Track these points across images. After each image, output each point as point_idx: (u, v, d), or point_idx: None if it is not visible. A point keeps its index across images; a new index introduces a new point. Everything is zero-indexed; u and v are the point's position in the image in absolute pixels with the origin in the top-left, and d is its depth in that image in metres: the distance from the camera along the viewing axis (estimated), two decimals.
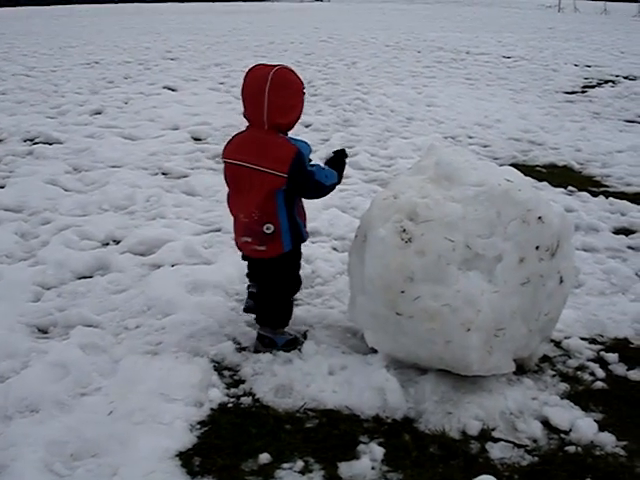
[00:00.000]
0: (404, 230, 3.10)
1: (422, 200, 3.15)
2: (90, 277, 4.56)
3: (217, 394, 3.28)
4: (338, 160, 3.62)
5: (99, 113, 9.85)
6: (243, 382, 3.40)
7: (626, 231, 5.52)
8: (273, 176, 3.32)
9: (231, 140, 3.58)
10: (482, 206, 3.16)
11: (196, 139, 8.44)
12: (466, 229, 3.12)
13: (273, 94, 3.30)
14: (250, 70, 3.45)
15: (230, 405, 3.24)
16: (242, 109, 3.48)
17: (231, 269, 4.50)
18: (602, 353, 3.69)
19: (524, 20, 31.26)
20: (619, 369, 3.56)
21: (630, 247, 5.19)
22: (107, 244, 5.12)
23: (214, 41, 20.17)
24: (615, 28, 27.06)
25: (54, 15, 32.50)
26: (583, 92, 12.23)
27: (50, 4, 39.73)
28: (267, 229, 3.42)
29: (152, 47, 18.35)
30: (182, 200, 6.04)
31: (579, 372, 3.52)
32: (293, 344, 3.68)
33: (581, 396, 3.32)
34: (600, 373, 3.51)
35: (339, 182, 3.59)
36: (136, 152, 7.61)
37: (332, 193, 3.59)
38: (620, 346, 3.78)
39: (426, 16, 33.73)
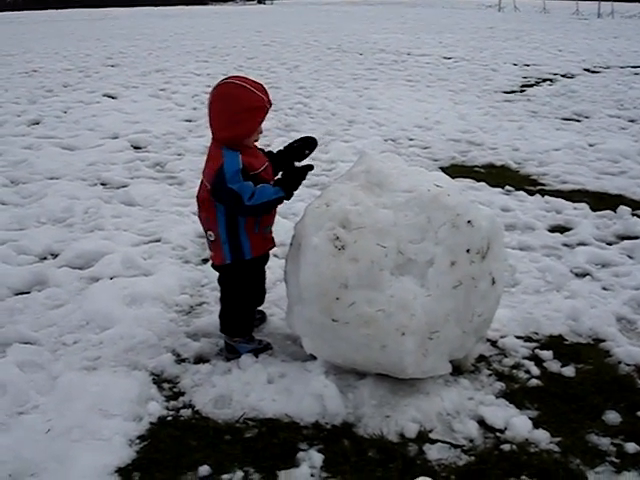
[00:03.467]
0: (337, 238, 3.13)
1: (354, 207, 3.18)
2: (27, 293, 4.48)
3: (156, 407, 3.27)
4: (293, 175, 3.43)
5: (37, 123, 9.69)
6: (182, 394, 3.39)
7: (561, 229, 5.62)
8: (205, 187, 3.37)
9: None
10: (412, 212, 3.21)
11: (136, 147, 8.36)
12: (398, 235, 3.17)
13: (214, 108, 3.34)
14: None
15: (169, 418, 3.22)
16: None
17: (171, 280, 4.50)
18: (537, 351, 3.76)
19: (465, 20, 31.66)
20: (554, 366, 3.63)
21: (565, 244, 5.28)
22: (45, 258, 5.05)
23: (156, 46, 20.02)
24: (554, 26, 27.56)
25: None
26: (522, 91, 12.41)
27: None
28: (210, 236, 3.50)
29: (93, 54, 18.12)
30: (121, 210, 5.97)
31: (514, 370, 3.58)
32: (259, 354, 3.65)
33: (516, 394, 3.38)
34: (535, 371, 3.57)
35: (287, 198, 3.36)
36: (75, 162, 7.50)
37: None
38: (555, 343, 3.85)
39: (369, 18, 33.95)
